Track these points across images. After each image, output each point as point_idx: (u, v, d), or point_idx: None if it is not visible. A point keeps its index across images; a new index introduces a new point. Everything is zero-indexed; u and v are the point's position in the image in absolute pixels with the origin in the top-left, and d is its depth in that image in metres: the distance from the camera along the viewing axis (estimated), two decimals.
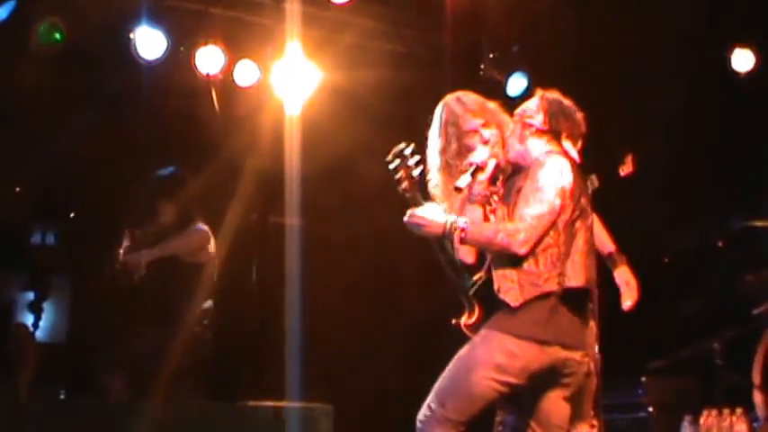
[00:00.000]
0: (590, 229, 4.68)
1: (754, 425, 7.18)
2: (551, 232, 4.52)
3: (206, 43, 8.18)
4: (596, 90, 8.51)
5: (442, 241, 4.76)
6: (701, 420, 7.26)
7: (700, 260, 8.19)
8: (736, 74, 8.56)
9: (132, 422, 5.84)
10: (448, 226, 4.55)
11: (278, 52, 8.26)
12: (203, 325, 6.80)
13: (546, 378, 4.56)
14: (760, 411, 7.20)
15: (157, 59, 8.02)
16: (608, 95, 8.42)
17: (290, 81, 8.23)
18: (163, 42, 8.02)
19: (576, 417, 5.20)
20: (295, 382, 7.32)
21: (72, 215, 8.10)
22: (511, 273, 4.54)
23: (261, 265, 8.16)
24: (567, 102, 4.84)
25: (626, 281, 5.49)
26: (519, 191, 4.61)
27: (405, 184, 4.82)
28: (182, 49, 8.24)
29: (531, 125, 4.77)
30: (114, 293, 7.10)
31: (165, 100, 8.24)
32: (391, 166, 4.85)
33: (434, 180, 5.07)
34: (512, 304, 4.50)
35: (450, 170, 5.02)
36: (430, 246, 4.88)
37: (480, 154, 4.91)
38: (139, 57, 7.97)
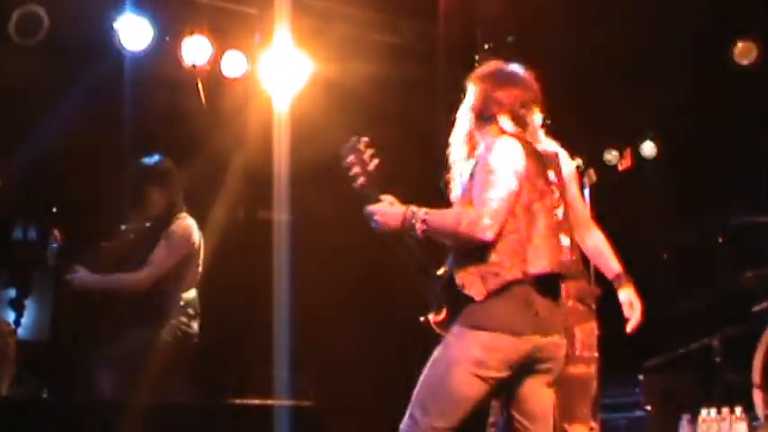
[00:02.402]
0: (551, 211, 4.49)
1: (754, 424, 7.13)
2: (509, 219, 4.35)
3: (192, 33, 8.07)
4: (593, 82, 8.44)
5: (401, 236, 4.55)
6: (700, 419, 7.20)
7: (699, 257, 8.12)
8: (738, 67, 8.45)
9: (118, 420, 5.74)
10: (408, 217, 4.43)
11: (266, 43, 8.17)
12: (189, 315, 6.67)
13: (524, 367, 4.38)
14: (759, 411, 7.17)
15: (142, 50, 7.92)
16: (606, 88, 8.37)
17: (279, 73, 8.14)
18: (148, 32, 7.91)
19: (573, 418, 5.12)
20: (283, 380, 7.23)
21: (54, 210, 7.98)
22: (472, 266, 4.38)
23: (248, 262, 8.05)
24: (503, 71, 4.71)
25: (630, 302, 5.31)
26: (471, 177, 4.48)
27: (361, 180, 4.62)
28: (167, 39, 8.13)
29: (469, 113, 4.68)
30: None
31: (151, 92, 8.10)
32: (345, 162, 4.66)
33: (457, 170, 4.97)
34: (476, 298, 4.33)
35: None
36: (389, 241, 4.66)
37: None
38: (124, 47, 7.86)
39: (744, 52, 8.47)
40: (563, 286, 4.81)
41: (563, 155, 5.33)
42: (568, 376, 5.00)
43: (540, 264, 4.36)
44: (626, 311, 5.30)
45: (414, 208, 4.45)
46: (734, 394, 7.34)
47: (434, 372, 4.41)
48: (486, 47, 8.85)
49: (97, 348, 6.71)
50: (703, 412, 7.17)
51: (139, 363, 6.40)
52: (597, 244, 5.45)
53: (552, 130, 5.02)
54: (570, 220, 5.06)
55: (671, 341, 7.86)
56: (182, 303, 6.62)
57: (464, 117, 4.72)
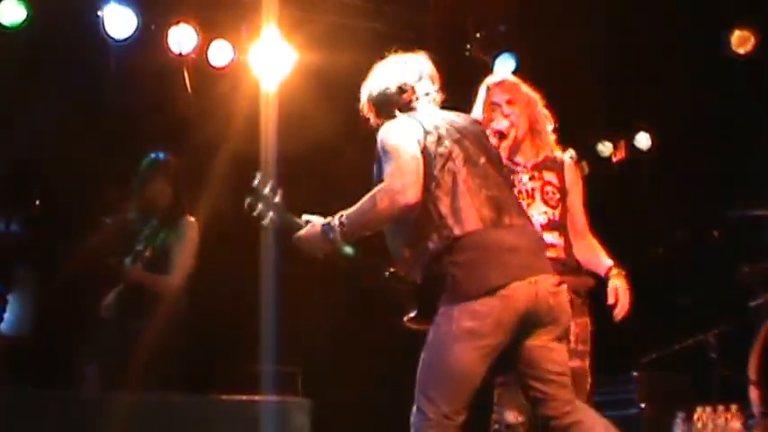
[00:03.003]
0: (465, 169, 4.35)
1: (749, 422, 7.09)
2: (424, 193, 4.27)
3: (178, 22, 7.98)
4: (588, 72, 8.38)
5: (339, 250, 4.47)
6: (695, 417, 7.19)
7: (695, 251, 8.06)
8: (734, 57, 8.39)
9: (103, 415, 5.67)
10: (326, 230, 4.37)
11: (253, 31, 8.09)
12: (180, 315, 6.60)
13: (526, 324, 4.22)
14: (755, 408, 7.11)
15: (128, 38, 7.81)
16: (600, 78, 8.32)
17: (266, 61, 8.05)
18: (133, 21, 7.81)
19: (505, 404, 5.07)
20: (270, 375, 7.17)
21: (38, 202, 7.93)
22: (403, 252, 4.37)
23: (235, 252, 7.97)
24: (376, 73, 4.84)
25: (616, 289, 5.22)
26: (379, 167, 4.44)
27: (271, 217, 4.57)
28: (153, 27, 8.02)
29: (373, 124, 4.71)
30: (85, 283, 6.92)
31: (136, 81, 8.04)
32: (247, 206, 4.60)
33: None
34: (420, 282, 4.30)
35: None
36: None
37: (501, 123, 5.20)
38: (109, 36, 7.75)
39: (741, 41, 8.43)
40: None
41: (569, 164, 5.38)
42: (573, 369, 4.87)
43: (469, 224, 4.24)
44: (610, 299, 5.20)
45: (329, 218, 4.41)
46: (729, 391, 7.32)
47: (429, 356, 4.27)
48: (478, 35, 8.80)
49: (84, 341, 6.66)
50: (698, 409, 7.14)
51: (128, 356, 6.32)
52: (589, 246, 5.39)
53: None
54: (567, 223, 5.25)
55: (666, 337, 7.83)
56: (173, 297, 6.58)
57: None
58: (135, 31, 7.81)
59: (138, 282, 6.45)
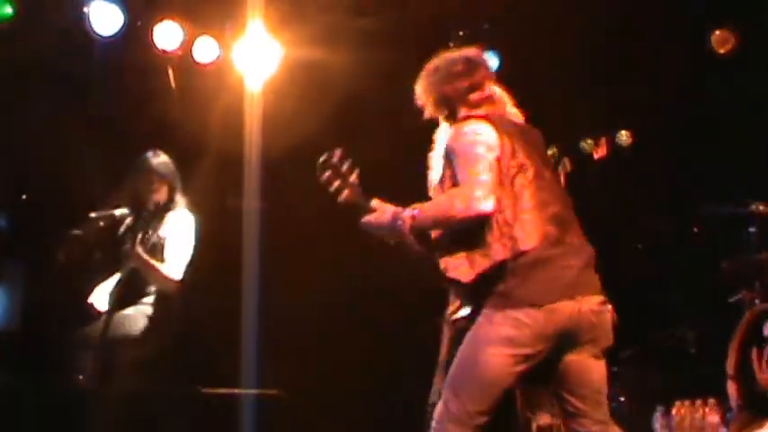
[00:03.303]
0: (533, 183, 4.36)
1: (727, 415, 7.08)
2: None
3: (163, 19, 7.98)
4: (569, 70, 8.41)
5: (402, 239, 4.50)
6: (673, 411, 7.23)
7: (675, 247, 8.11)
8: (715, 55, 8.43)
9: (88, 408, 5.71)
10: (396, 218, 4.41)
11: (238, 28, 8.09)
12: (173, 307, 6.73)
13: (566, 340, 4.25)
14: (733, 402, 7.13)
15: (113, 35, 7.80)
16: (582, 76, 8.34)
17: (251, 58, 8.07)
18: (119, 17, 7.81)
19: (539, 406, 5.12)
20: (251, 370, 7.20)
21: (24, 197, 7.94)
22: (457, 249, 4.33)
23: (219, 248, 8.00)
24: (442, 62, 4.71)
25: None
26: (449, 164, 4.42)
27: (345, 194, 4.60)
28: (139, 24, 8.02)
29: (431, 115, 4.69)
30: (73, 277, 6.95)
31: (122, 77, 8.06)
32: (322, 180, 4.63)
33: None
34: (464, 280, 4.29)
35: None
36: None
37: None
38: (95, 32, 7.75)
39: (721, 41, 8.46)
40: None
41: None
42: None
43: (530, 240, 4.26)
44: None
45: (400, 209, 4.43)
46: (708, 385, 7.33)
47: (465, 355, 4.33)
48: (461, 33, 8.80)
49: (76, 333, 6.68)
50: (677, 404, 7.20)
51: (119, 348, 6.44)
52: None
53: (527, 118, 4.97)
54: None
55: (645, 332, 7.85)
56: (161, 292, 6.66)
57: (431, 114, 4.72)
58: (121, 28, 7.80)
59: (140, 265, 6.49)
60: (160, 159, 6.85)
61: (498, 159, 4.31)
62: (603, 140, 8.64)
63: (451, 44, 8.82)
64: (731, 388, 7.16)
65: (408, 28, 8.60)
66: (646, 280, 8.38)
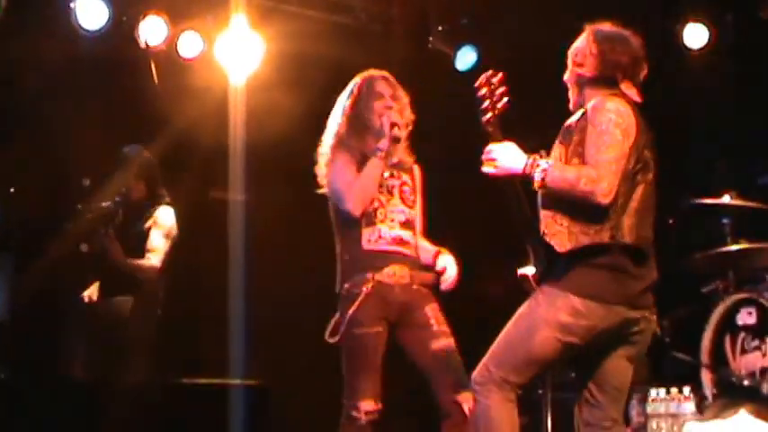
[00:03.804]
0: (650, 185, 4.47)
1: (702, 403, 7.14)
2: None
3: (148, 14, 8.00)
4: (547, 64, 8.46)
5: (512, 183, 4.46)
6: (649, 399, 7.23)
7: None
8: (688, 50, 8.49)
9: (76, 399, 5.75)
10: (528, 164, 4.34)
11: (222, 23, 8.12)
12: (158, 298, 6.81)
13: (611, 338, 4.37)
14: (708, 390, 7.21)
15: (99, 30, 7.83)
16: (560, 70, 8.38)
17: (234, 52, 8.11)
18: (104, 12, 7.82)
19: (463, 387, 5.15)
20: (238, 361, 7.23)
21: (12, 190, 7.93)
22: (561, 217, 4.35)
23: (204, 242, 8.04)
24: (619, 33, 4.63)
25: (448, 261, 5.52)
26: (581, 131, 4.39)
27: (489, 116, 4.52)
28: (124, 19, 8.05)
29: (581, 75, 4.61)
30: (62, 269, 7.04)
31: (107, 72, 8.06)
32: (478, 94, 4.56)
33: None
34: (558, 249, 4.31)
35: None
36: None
37: (396, 116, 5.34)
38: (80, 27, 7.78)
39: (693, 35, 8.49)
40: (413, 274, 5.28)
41: (416, 169, 5.65)
42: (437, 352, 5.18)
43: (630, 236, 4.32)
44: (440, 269, 5.47)
45: (537, 156, 4.37)
46: (683, 374, 7.42)
47: (518, 329, 4.39)
48: (440, 28, 8.83)
49: (64, 327, 6.72)
50: (652, 392, 7.22)
51: (110, 340, 6.55)
52: (420, 242, 5.59)
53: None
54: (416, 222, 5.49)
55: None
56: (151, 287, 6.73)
57: (573, 71, 4.66)
58: (106, 23, 7.81)
59: (118, 267, 6.57)
60: (139, 154, 6.92)
61: (630, 148, 4.33)
62: None
63: (431, 38, 8.91)
64: (706, 376, 7.26)
65: (390, 23, 8.65)
66: None
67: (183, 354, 7.93)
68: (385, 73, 5.58)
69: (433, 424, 5.21)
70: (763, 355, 7.07)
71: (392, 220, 5.32)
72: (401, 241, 5.31)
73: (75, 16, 7.74)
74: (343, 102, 5.55)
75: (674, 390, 7.17)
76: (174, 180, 7.27)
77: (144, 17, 7.99)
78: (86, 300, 6.76)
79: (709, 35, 8.48)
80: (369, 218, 5.28)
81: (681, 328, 7.54)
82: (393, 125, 5.31)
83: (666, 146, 8.37)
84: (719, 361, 7.27)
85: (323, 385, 6.42)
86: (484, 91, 4.55)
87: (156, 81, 8.07)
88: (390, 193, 5.38)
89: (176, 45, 8.21)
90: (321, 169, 5.46)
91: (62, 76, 7.82)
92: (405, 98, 5.53)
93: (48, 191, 7.71)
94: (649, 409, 7.21)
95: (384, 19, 8.70)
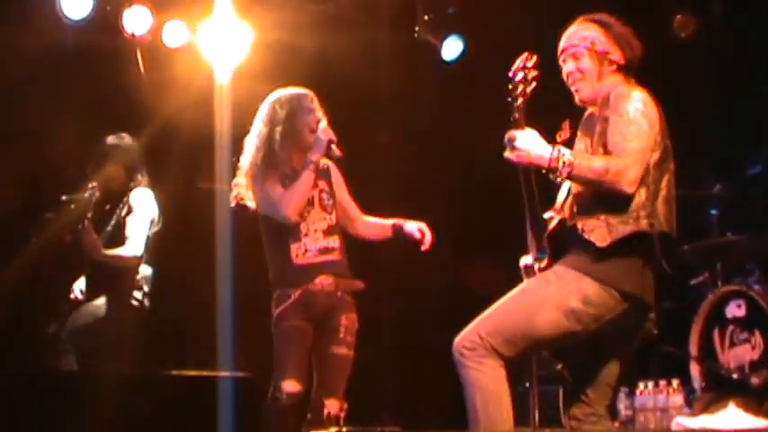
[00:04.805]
0: (673, 175, 4.36)
1: (691, 396, 7.18)
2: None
3: (132, 3, 7.95)
4: (534, 54, 8.42)
5: (529, 172, 4.35)
6: (637, 392, 7.27)
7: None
8: (677, 40, 8.47)
9: (64, 392, 5.69)
10: (554, 156, 4.16)
11: (207, 12, 8.06)
12: (144, 292, 6.73)
13: (612, 331, 4.24)
14: (696, 383, 7.23)
15: (83, 19, 7.78)
16: (546, 61, 8.35)
17: (220, 42, 8.05)
18: (88, 1, 7.78)
19: (332, 393, 5.61)
20: (226, 352, 7.18)
21: None
22: (599, 212, 4.22)
23: (191, 233, 7.99)
24: (618, 21, 4.59)
25: (417, 227, 5.91)
26: (604, 121, 4.31)
27: (519, 102, 4.35)
28: (108, 8, 7.99)
29: (612, 61, 4.47)
30: (46, 261, 6.97)
31: (92, 61, 7.98)
32: (517, 78, 4.37)
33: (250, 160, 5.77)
34: (598, 244, 4.16)
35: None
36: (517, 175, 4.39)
37: (330, 132, 5.68)
38: (64, 16, 7.73)
39: (682, 25, 8.47)
40: (337, 281, 5.65)
41: (333, 168, 5.98)
42: (332, 355, 5.64)
43: (664, 223, 4.26)
44: (416, 235, 5.88)
45: (561, 147, 4.23)
46: (671, 367, 7.43)
47: (521, 304, 4.28)
48: (426, 18, 8.79)
49: (54, 319, 6.68)
50: (641, 385, 7.24)
51: (96, 334, 6.49)
52: (368, 221, 6.05)
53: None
54: (340, 223, 5.80)
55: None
56: (138, 277, 6.66)
57: (585, 55, 4.52)
58: (90, 12, 7.77)
59: (101, 259, 6.52)
60: (119, 142, 6.84)
61: (655, 139, 4.26)
62: (566, 123, 8.67)
63: (417, 28, 8.87)
64: (694, 369, 7.27)
65: (376, 12, 8.60)
66: None
67: (170, 345, 7.89)
68: (309, 91, 5.93)
69: None
70: (752, 348, 7.08)
71: (315, 231, 5.70)
72: (326, 250, 5.69)
73: (59, 5, 7.69)
74: (263, 118, 5.89)
75: (662, 383, 7.18)
76: (160, 170, 7.21)
77: (129, 6, 7.94)
78: (78, 294, 6.70)
79: (698, 25, 8.44)
80: (294, 233, 5.68)
81: (669, 321, 7.50)
82: (331, 141, 5.67)
83: None
84: (708, 354, 7.28)
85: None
86: (520, 75, 4.38)
87: (142, 71, 7.99)
88: (311, 204, 5.74)
89: (161, 34, 8.17)
90: (243, 185, 5.84)
91: (45, 66, 7.73)
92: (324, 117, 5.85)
93: (30, 182, 7.62)
94: (637, 402, 7.21)
95: (370, 8, 8.64)
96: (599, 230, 4.18)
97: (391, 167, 8.80)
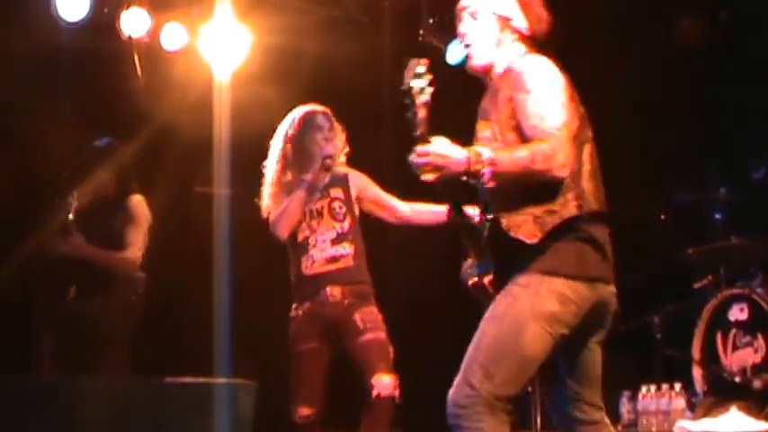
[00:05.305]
0: (593, 143, 3.96)
1: (693, 400, 7.17)
2: None
3: (130, 5, 7.91)
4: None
5: (452, 183, 3.90)
6: (640, 396, 7.24)
7: (641, 234, 8.11)
8: (684, 44, 8.43)
9: (54, 396, 5.65)
10: (473, 159, 3.73)
11: (207, 14, 8.03)
12: (138, 294, 6.68)
13: (589, 321, 3.88)
14: (699, 386, 7.22)
15: (80, 21, 7.71)
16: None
17: (219, 45, 8.01)
18: (85, 3, 7.71)
19: (376, 369, 5.59)
20: (223, 358, 7.15)
21: None
22: (521, 207, 3.82)
23: (188, 237, 7.95)
24: None
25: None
26: (509, 101, 3.90)
27: (420, 114, 3.84)
28: (105, 10, 7.95)
29: (514, 29, 4.06)
30: (43, 261, 6.83)
31: (88, 65, 7.96)
32: (413, 87, 3.87)
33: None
34: (529, 241, 3.77)
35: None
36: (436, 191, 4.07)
37: (329, 148, 5.81)
38: (61, 18, 7.66)
39: (690, 30, 8.45)
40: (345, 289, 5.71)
41: (352, 174, 6.04)
42: (358, 346, 5.66)
43: (594, 201, 3.89)
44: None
45: (476, 147, 3.83)
46: (674, 370, 7.40)
47: (499, 332, 3.79)
48: (431, 21, 8.76)
49: (41, 317, 6.63)
50: (643, 388, 7.20)
51: (83, 334, 6.41)
52: (413, 207, 6.07)
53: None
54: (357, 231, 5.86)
55: (612, 318, 7.85)
56: (128, 279, 6.60)
57: (486, 17, 4.09)
58: (87, 14, 7.70)
59: (89, 256, 6.47)
60: (110, 148, 6.76)
61: (572, 107, 3.89)
62: None
63: (422, 31, 8.83)
64: (697, 373, 7.25)
65: (381, 15, 8.58)
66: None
67: (166, 352, 7.84)
68: (325, 108, 6.02)
69: None
70: (755, 352, 7.07)
71: (323, 242, 5.81)
72: (334, 259, 5.80)
73: (55, 7, 7.64)
74: (281, 135, 6.06)
75: (665, 386, 7.15)
76: (158, 174, 7.17)
77: (126, 8, 7.90)
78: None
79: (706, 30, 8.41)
80: (303, 246, 5.84)
81: (672, 324, 7.50)
82: (326, 157, 5.78)
83: (658, 142, 8.41)
84: (711, 357, 7.27)
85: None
86: (416, 84, 3.87)
87: (140, 74, 7.96)
88: (320, 215, 5.87)
89: (159, 37, 8.12)
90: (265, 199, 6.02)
91: (41, 69, 7.70)
92: (340, 131, 6.00)
93: (24, 185, 7.58)
94: (640, 406, 7.19)
95: (374, 11, 8.61)
96: (526, 226, 3.80)
97: (394, 171, 8.75)
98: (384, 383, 5.50)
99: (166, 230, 6.89)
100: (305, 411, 5.69)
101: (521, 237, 3.79)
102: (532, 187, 3.79)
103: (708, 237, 7.53)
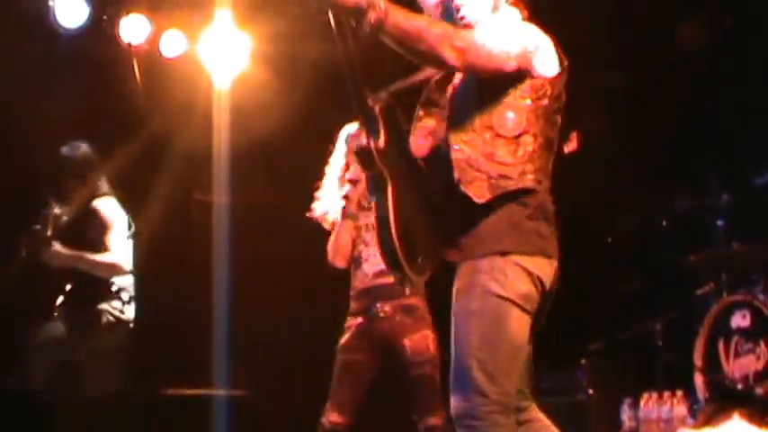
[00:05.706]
0: (551, 115, 3.73)
1: (695, 407, 7.14)
2: (530, 115, 3.65)
3: (130, 12, 7.90)
4: None
5: (345, 26, 3.65)
6: (641, 403, 7.25)
7: (643, 240, 8.10)
8: (685, 48, 8.42)
9: (51, 410, 5.65)
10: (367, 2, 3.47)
11: (206, 21, 8.02)
12: (123, 300, 6.56)
13: (542, 302, 3.72)
14: (700, 393, 7.19)
15: (79, 28, 7.72)
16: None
17: (219, 52, 8.01)
18: (85, 10, 7.72)
19: (425, 412, 5.55)
20: (222, 369, 7.15)
21: None
22: (477, 159, 3.66)
23: (186, 245, 7.94)
24: None
25: None
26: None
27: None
28: (105, 17, 7.94)
29: None
30: (29, 273, 6.79)
31: (87, 71, 7.93)
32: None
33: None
34: (476, 200, 3.61)
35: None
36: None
37: (355, 172, 5.55)
38: (60, 25, 7.66)
39: (690, 33, 8.44)
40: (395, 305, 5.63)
41: None
42: (408, 380, 5.64)
43: (547, 177, 3.75)
44: None
45: None
46: (675, 377, 7.38)
47: (484, 327, 3.59)
48: None
49: (28, 332, 6.60)
50: (645, 395, 7.23)
51: (71, 348, 6.37)
52: None
53: None
54: None
55: (613, 325, 7.86)
56: (114, 288, 6.50)
57: None
58: (86, 21, 7.71)
59: (66, 262, 6.42)
60: (73, 153, 6.70)
61: (545, 85, 3.71)
62: (574, 135, 8.59)
63: None
64: (698, 380, 7.23)
65: None
66: (614, 272, 8.37)
67: (166, 363, 7.82)
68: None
69: None
70: (757, 359, 7.04)
71: (374, 256, 5.61)
72: (382, 272, 5.54)
73: (54, 14, 7.64)
74: (339, 152, 5.90)
75: (666, 393, 7.17)
76: (157, 181, 7.15)
77: (126, 15, 7.90)
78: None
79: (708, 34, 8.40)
80: (357, 261, 5.80)
81: (673, 331, 7.50)
82: (348, 181, 5.72)
83: (661, 146, 8.40)
84: (713, 364, 7.24)
85: (307, 395, 6.35)
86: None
87: (139, 81, 7.95)
88: (372, 229, 5.63)
89: (159, 44, 8.11)
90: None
91: (40, 76, 7.70)
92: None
93: (20, 193, 7.56)
94: (641, 413, 7.18)
95: None
96: (477, 184, 3.63)
97: None
98: (430, 425, 5.51)
99: (165, 238, 6.86)
100: (335, 418, 5.62)
101: (470, 193, 3.65)
102: (496, 150, 3.64)
103: (709, 243, 7.52)
